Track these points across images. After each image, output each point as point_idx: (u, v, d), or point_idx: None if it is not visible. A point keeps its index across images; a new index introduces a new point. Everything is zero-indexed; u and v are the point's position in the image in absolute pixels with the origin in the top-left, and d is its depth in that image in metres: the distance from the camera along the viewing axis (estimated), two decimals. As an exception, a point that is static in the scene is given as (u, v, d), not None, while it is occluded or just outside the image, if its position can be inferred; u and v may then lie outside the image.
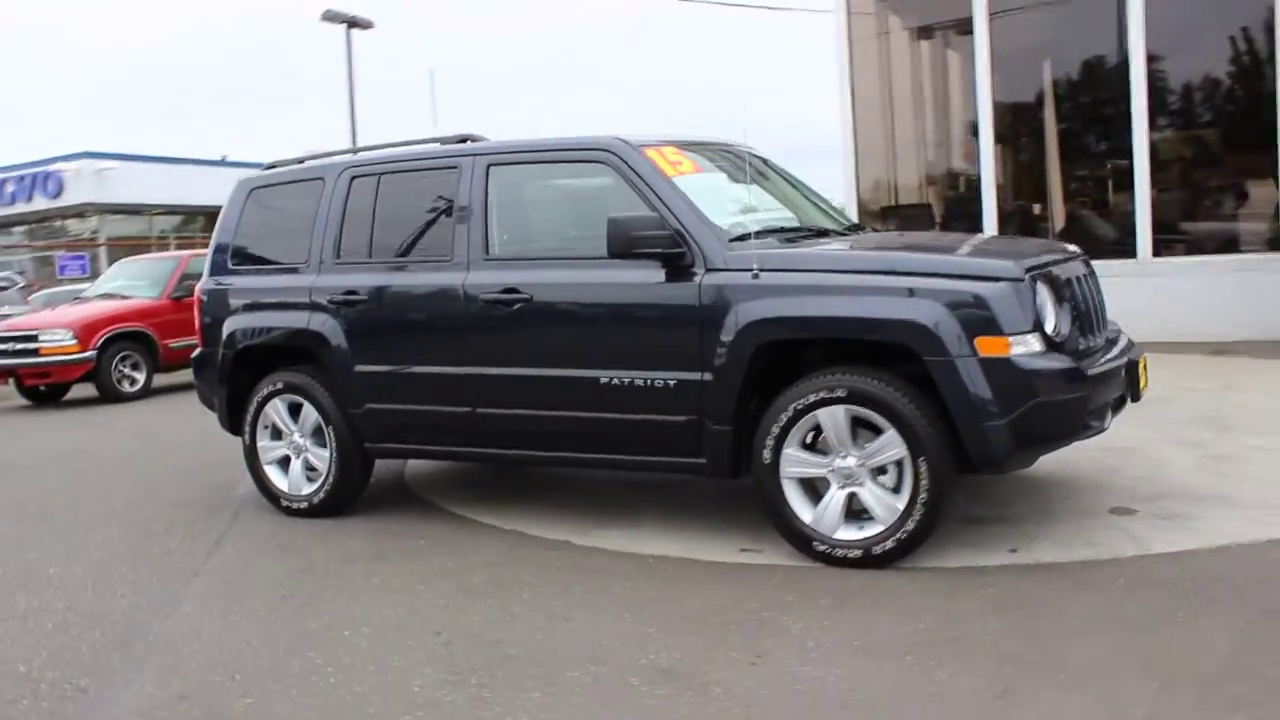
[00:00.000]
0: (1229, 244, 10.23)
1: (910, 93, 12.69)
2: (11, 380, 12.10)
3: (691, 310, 4.32)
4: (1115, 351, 4.46)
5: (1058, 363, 3.96)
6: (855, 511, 4.17)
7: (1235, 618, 3.41)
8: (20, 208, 33.06)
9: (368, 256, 5.26)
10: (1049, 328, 4.01)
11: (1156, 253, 9.98)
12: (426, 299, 5.02)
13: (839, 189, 11.32)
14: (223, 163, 34.05)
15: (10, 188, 32.93)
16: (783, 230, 4.79)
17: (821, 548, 4.16)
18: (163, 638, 3.90)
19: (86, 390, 12.09)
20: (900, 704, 2.98)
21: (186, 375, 12.85)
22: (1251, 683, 2.96)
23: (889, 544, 4.05)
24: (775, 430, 4.17)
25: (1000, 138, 10.81)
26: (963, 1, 10.79)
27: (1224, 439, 5.93)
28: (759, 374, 4.26)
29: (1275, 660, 3.10)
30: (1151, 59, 9.87)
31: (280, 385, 5.49)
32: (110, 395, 11.70)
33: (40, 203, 32.26)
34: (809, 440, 4.20)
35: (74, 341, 11.41)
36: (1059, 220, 10.91)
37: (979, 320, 3.89)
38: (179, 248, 20.57)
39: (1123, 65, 10.07)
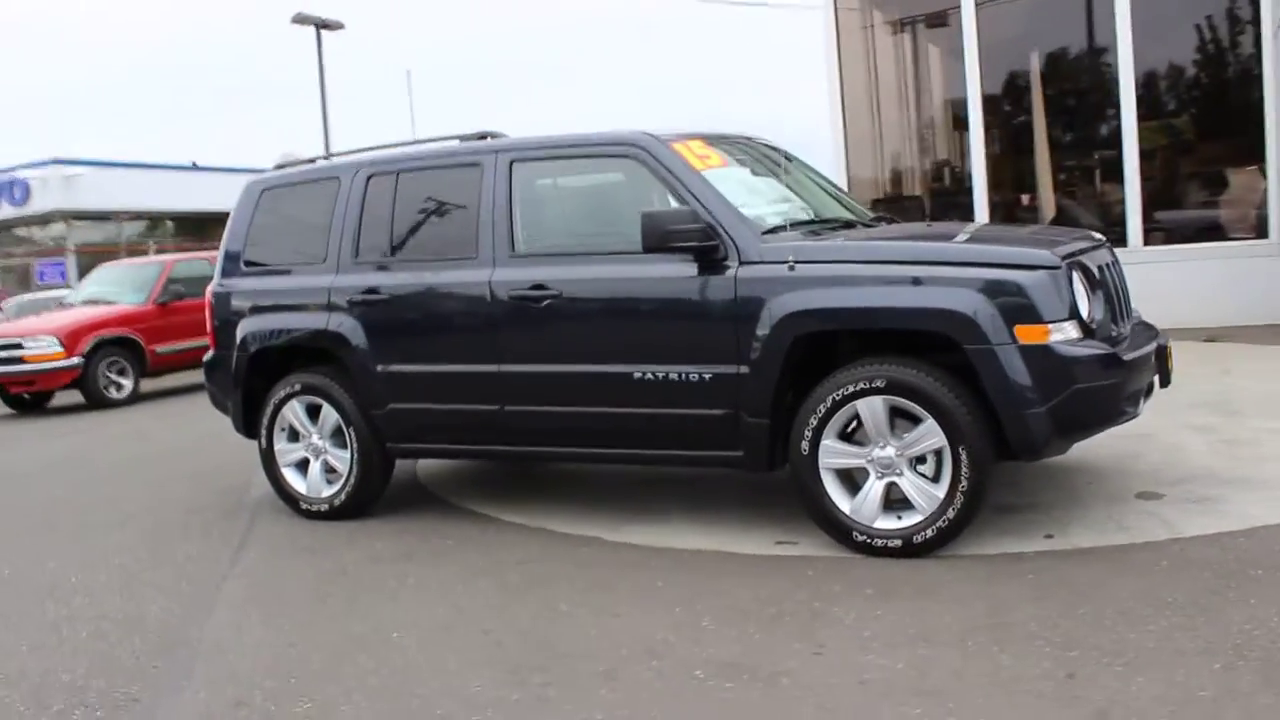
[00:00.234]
0: (1216, 231, 10.36)
1: (896, 86, 12.75)
2: (-5, 388, 11.92)
3: (727, 304, 4.32)
4: (1145, 337, 4.50)
5: (1095, 349, 3.99)
6: (892, 501, 4.19)
7: (1284, 597, 3.45)
8: (-14, 216, 32.51)
9: (388, 255, 5.22)
10: (1084, 315, 4.04)
11: (1147, 241, 10.08)
12: (451, 297, 4.99)
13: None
14: (192, 168, 33.66)
15: (-24, 197, 32.36)
16: (809, 222, 4.80)
17: (861, 538, 4.17)
18: (205, 643, 3.86)
19: (71, 397, 11.93)
20: (970, 690, 2.99)
21: (174, 380, 12.87)
22: (1314, 661, 3.00)
23: (929, 533, 4.07)
24: (814, 421, 4.18)
25: (989, 128, 10.88)
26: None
27: (1233, 423, 6.00)
28: (795, 366, 4.27)
29: (1333, 638, 3.14)
30: (1138, 48, 9.96)
31: (298, 387, 5.43)
32: (97, 402, 11.55)
33: (7, 210, 31.74)
34: (846, 431, 4.21)
35: (60, 348, 11.25)
36: (1048, 210, 11.00)
37: (1018, 308, 3.92)
38: (158, 253, 20.25)
39: (1109, 54, 10.17)
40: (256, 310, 5.59)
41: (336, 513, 5.41)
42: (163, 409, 11.24)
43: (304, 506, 5.51)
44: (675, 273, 4.43)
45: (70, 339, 11.34)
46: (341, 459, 5.39)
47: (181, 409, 11.13)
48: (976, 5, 10.56)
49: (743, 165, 5.04)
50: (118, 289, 12.65)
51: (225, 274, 5.80)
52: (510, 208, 4.86)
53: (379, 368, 5.15)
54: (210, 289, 5.84)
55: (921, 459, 4.12)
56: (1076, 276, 4.07)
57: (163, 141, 67.68)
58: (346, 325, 5.22)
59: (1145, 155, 10.19)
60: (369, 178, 5.31)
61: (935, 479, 4.09)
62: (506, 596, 4.12)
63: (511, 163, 4.90)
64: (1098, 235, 4.85)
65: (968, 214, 10.78)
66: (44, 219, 31.81)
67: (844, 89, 11.57)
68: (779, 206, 4.73)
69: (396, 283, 5.13)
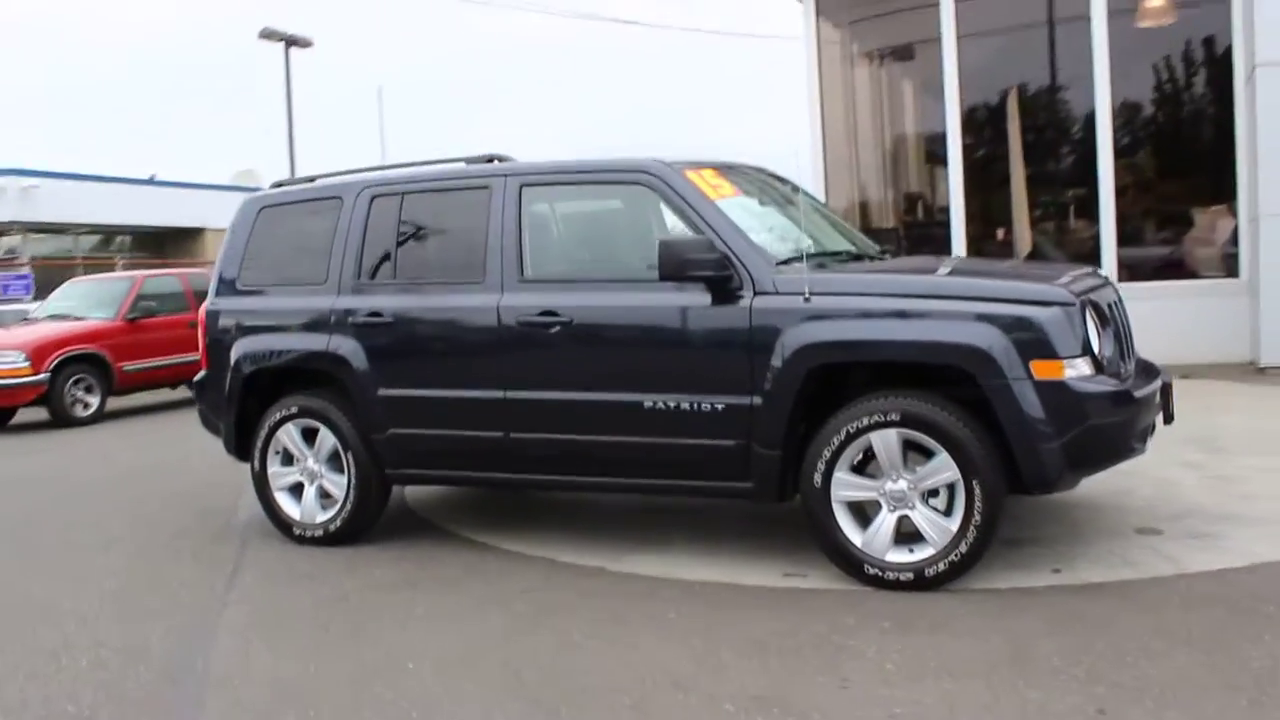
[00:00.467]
0: (1186, 270, 10.55)
1: (871, 118, 12.89)
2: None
3: (741, 334, 4.33)
4: (1150, 375, 4.56)
5: (1108, 385, 4.04)
6: (903, 534, 4.20)
7: (1300, 634, 3.50)
8: (-61, 226, 31.83)
9: (392, 277, 5.17)
10: (1096, 352, 4.09)
11: (1120, 277, 10.23)
12: (457, 321, 4.95)
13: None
14: (151, 182, 33.24)
15: (-72, 206, 31.67)
16: (818, 254, 4.82)
17: (873, 570, 4.18)
18: (213, 672, 3.77)
19: (35, 414, 11.67)
20: (1003, 726, 3.00)
21: (140, 399, 12.64)
22: (1338, 698, 3.04)
23: (941, 566, 4.08)
24: (827, 454, 4.19)
25: (967, 162, 11.03)
26: (923, 26, 11.03)
27: (1219, 460, 6.10)
28: (808, 398, 4.28)
29: (1353, 676, 3.18)
30: (1115, 86, 10.16)
31: (295, 409, 5.35)
32: (62, 420, 11.30)
33: (-40, 222, 31.10)
34: (858, 463, 4.22)
35: (27, 363, 11.00)
36: (1024, 245, 11.15)
37: (1034, 344, 3.96)
38: (126, 268, 19.91)
39: (1085, 90, 10.35)
40: (253, 330, 5.50)
41: (332, 539, 5.33)
42: (128, 428, 11.03)
43: (297, 532, 5.41)
44: (689, 302, 4.43)
45: (36, 354, 11.09)
46: (338, 484, 5.31)
47: (149, 428, 10.95)
48: (957, 39, 10.71)
49: (752, 196, 5.06)
50: (85, 304, 12.42)
51: (220, 293, 5.71)
52: (520, 232, 4.83)
53: (380, 392, 5.09)
54: (203, 307, 5.75)
55: (934, 492, 4.14)
56: (1089, 313, 4.12)
57: (123, 155, 66.82)
58: (347, 348, 5.16)
59: (1123, 192, 10.37)
60: (372, 198, 5.26)
61: (948, 512, 4.10)
62: (518, 626, 4.07)
63: (521, 187, 4.88)
64: (1102, 273, 4.92)
65: (942, 247, 10.89)
66: (1, 230, 31.22)
67: (825, 120, 11.68)
68: (789, 237, 4.75)
69: (400, 306, 5.08)
